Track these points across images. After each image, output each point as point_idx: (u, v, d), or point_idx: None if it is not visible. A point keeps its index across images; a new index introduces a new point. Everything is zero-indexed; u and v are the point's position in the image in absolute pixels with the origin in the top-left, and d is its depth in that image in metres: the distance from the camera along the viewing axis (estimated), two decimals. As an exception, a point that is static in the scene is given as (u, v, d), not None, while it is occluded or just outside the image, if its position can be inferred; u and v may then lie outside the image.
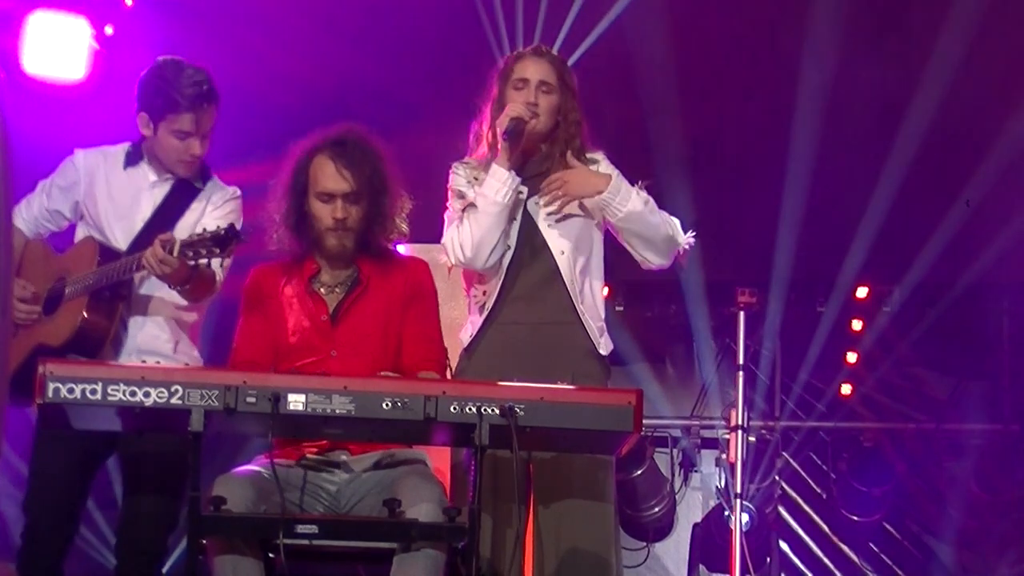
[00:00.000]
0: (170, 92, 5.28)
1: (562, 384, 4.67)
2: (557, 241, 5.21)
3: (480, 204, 5.17)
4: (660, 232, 5.21)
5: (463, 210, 5.22)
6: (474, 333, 5.25)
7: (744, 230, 8.14)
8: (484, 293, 5.25)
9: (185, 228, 5.28)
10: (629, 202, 5.12)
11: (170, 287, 5.19)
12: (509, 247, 5.23)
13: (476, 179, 5.25)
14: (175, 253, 4.95)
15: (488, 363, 5.19)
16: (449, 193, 5.33)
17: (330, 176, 5.07)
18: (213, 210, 5.39)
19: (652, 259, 5.26)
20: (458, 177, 5.32)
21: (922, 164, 7.84)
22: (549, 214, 5.22)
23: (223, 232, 4.91)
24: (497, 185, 5.15)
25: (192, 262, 4.95)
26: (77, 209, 5.47)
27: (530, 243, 5.24)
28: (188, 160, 5.35)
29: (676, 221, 5.28)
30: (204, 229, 4.99)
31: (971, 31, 7.57)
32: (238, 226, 5.10)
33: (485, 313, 5.23)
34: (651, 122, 7.82)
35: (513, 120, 5.17)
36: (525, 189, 5.24)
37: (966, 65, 7.65)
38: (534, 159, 5.31)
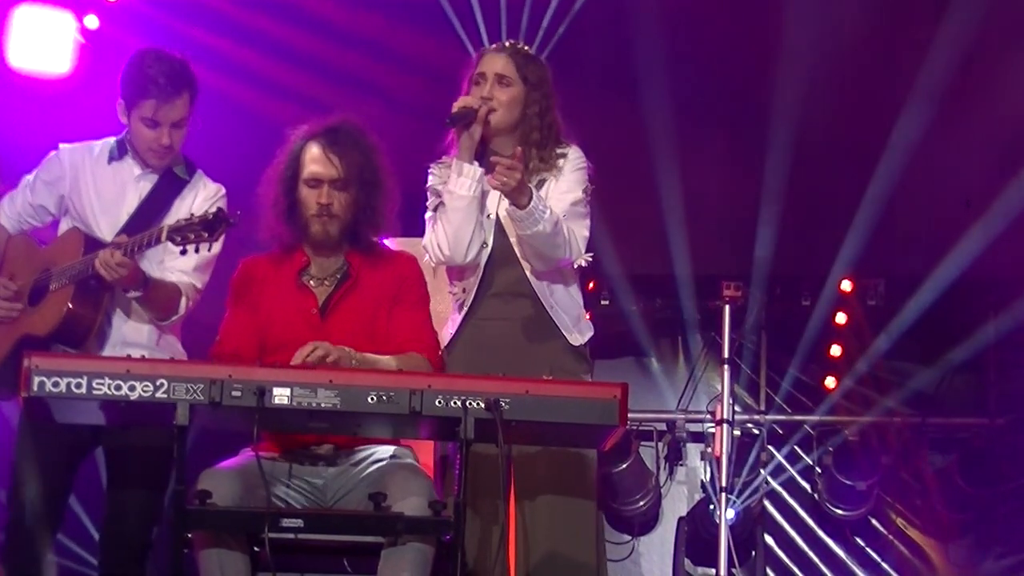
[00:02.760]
0: (138, 79, 5.31)
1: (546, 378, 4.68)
2: (520, 248, 5.23)
3: (447, 201, 5.19)
4: (553, 253, 5.18)
5: (434, 209, 5.24)
6: (454, 330, 5.27)
7: (728, 224, 8.15)
8: (463, 291, 5.27)
9: None
10: (539, 224, 5.08)
11: (124, 291, 5.20)
12: (486, 244, 5.23)
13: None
14: (163, 239, 4.95)
15: (466, 359, 5.19)
16: (428, 194, 5.36)
17: (319, 160, 5.08)
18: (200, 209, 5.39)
19: (534, 265, 5.25)
20: (433, 177, 5.35)
21: (908, 158, 7.85)
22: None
23: (211, 216, 4.91)
24: (460, 179, 5.17)
25: (180, 247, 4.94)
26: (61, 204, 5.47)
27: (505, 241, 5.25)
28: (156, 150, 5.35)
29: (580, 242, 5.26)
30: (192, 214, 5.00)
31: (967, 28, 7.60)
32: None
33: (464, 310, 5.25)
34: (634, 116, 7.82)
35: (460, 109, 5.19)
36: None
37: (957, 61, 7.66)
38: (504, 156, 5.27)
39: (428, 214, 5.34)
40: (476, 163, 5.21)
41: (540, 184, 5.23)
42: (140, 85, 5.30)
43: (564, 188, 5.27)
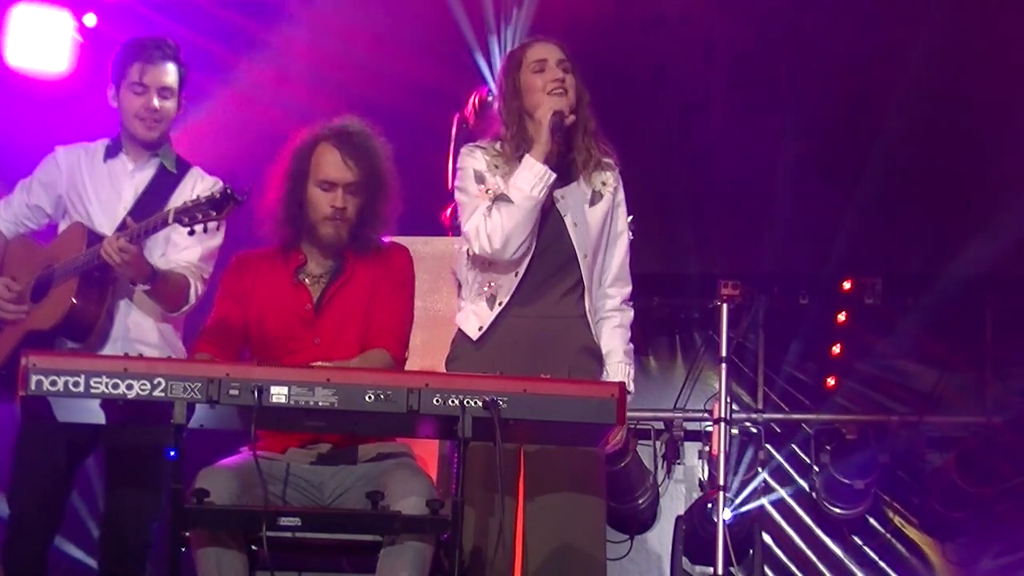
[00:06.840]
0: (124, 54, 5.39)
1: (547, 376, 4.67)
2: (581, 242, 5.20)
3: (514, 197, 5.08)
4: None
5: (493, 201, 5.11)
6: (485, 326, 5.18)
7: (727, 223, 8.15)
8: (491, 285, 5.18)
9: None
10: None
11: (132, 284, 5.21)
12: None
13: (496, 166, 5.18)
14: (170, 221, 4.94)
15: (496, 355, 5.12)
16: (462, 173, 5.23)
17: (334, 165, 5.05)
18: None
19: None
20: (476, 160, 5.22)
21: (907, 157, 7.86)
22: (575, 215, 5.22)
23: (219, 194, 4.86)
24: (532, 180, 5.08)
25: (188, 228, 4.92)
26: (59, 204, 5.48)
27: (549, 237, 5.20)
28: (145, 117, 5.36)
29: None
30: (198, 196, 4.97)
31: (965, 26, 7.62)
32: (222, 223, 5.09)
33: (499, 307, 5.17)
34: (632, 114, 7.82)
35: (556, 114, 5.11)
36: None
37: (958, 59, 7.68)
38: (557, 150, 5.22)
39: (461, 196, 5.22)
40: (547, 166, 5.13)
41: (597, 197, 5.27)
42: (126, 55, 5.38)
43: (622, 223, 5.39)
